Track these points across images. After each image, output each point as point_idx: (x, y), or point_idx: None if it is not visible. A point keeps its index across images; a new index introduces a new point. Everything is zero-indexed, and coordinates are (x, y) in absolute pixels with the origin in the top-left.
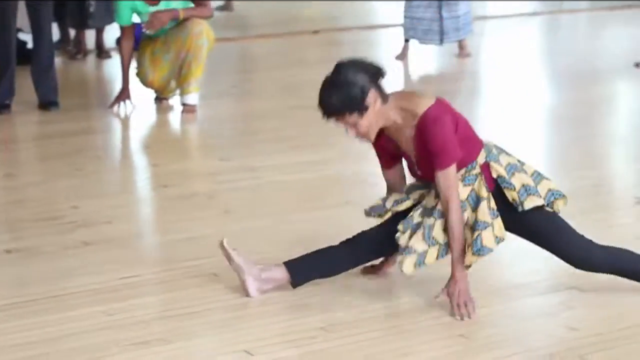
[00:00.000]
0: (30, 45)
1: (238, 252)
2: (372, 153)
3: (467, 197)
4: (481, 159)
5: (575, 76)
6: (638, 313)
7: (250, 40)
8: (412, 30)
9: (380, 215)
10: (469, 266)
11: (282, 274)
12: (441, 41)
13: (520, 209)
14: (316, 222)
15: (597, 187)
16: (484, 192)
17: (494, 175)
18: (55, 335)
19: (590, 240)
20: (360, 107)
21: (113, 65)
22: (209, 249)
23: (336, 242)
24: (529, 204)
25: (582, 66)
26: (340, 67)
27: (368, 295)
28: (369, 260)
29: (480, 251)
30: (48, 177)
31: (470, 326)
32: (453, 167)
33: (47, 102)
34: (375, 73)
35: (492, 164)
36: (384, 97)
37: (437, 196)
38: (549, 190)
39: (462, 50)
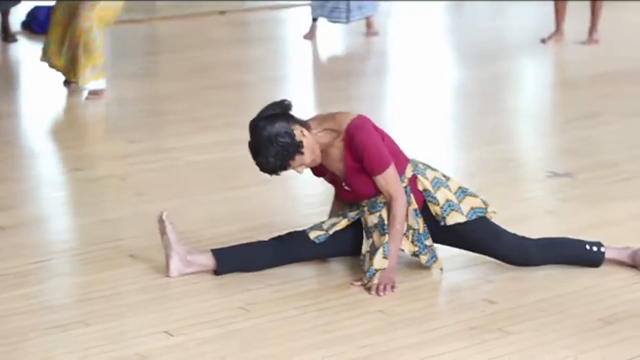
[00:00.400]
0: None
1: (173, 227)
2: None
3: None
4: (409, 172)
5: (482, 53)
6: (551, 285)
7: (157, 22)
8: (320, 8)
9: (314, 231)
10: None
11: (207, 260)
12: (347, 19)
13: (442, 223)
14: (231, 202)
15: (508, 162)
16: (414, 205)
17: (420, 188)
18: None
19: (525, 238)
20: (297, 149)
21: (19, 49)
22: (124, 231)
23: (254, 222)
24: (451, 220)
25: (488, 44)
26: (255, 128)
27: (285, 274)
28: (295, 261)
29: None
30: None
31: (389, 302)
32: (391, 169)
33: None
34: (284, 111)
35: (420, 177)
36: (306, 125)
37: (372, 212)
38: (472, 208)
39: (370, 29)
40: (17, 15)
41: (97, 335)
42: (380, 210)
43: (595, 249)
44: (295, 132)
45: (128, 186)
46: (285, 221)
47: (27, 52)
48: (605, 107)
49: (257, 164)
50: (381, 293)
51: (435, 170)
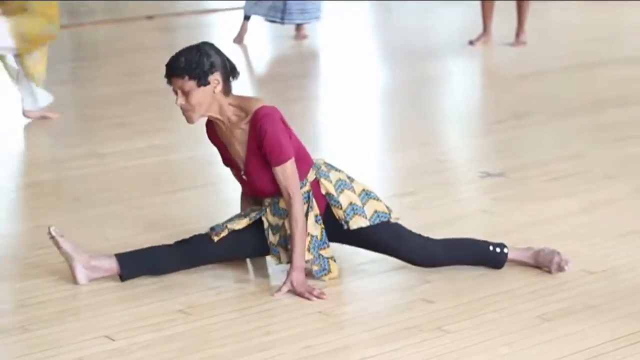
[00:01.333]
0: None
1: (66, 238)
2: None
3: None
4: (311, 176)
5: (410, 55)
6: (486, 284)
7: (85, 27)
8: (255, 6)
9: (217, 235)
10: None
11: (111, 264)
12: (283, 20)
13: (345, 227)
14: (167, 206)
15: (441, 163)
16: (316, 210)
17: (323, 192)
18: None
19: (429, 239)
20: (200, 77)
21: None
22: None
23: (189, 226)
24: (354, 224)
25: (416, 45)
26: (203, 42)
27: (223, 278)
28: (200, 264)
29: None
30: None
31: (327, 303)
32: (290, 163)
33: None
34: (231, 67)
35: (322, 180)
36: (227, 90)
37: (274, 215)
38: (375, 211)
39: (299, 32)
40: None
41: (38, 340)
42: (283, 218)
43: (498, 250)
44: (215, 73)
45: (65, 191)
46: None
47: None
48: (533, 107)
49: (170, 57)
50: (310, 296)
51: (339, 171)
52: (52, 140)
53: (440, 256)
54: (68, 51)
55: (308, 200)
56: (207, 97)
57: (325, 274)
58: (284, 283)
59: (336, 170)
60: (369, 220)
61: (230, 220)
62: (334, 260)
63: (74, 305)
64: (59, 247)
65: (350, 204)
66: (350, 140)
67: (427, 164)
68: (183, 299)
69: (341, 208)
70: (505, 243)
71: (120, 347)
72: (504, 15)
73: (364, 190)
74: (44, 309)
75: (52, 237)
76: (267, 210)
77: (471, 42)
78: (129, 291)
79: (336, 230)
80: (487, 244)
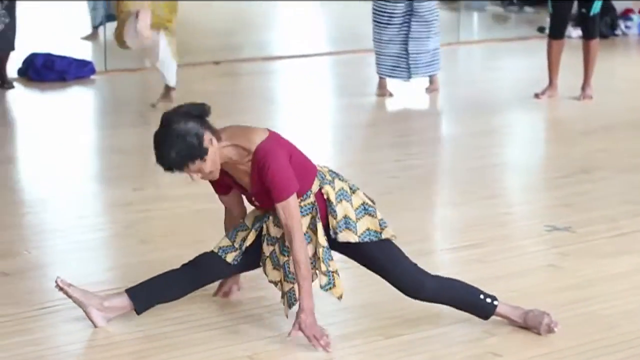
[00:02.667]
0: None
1: (74, 287)
2: None
3: (309, 227)
4: (315, 187)
5: (475, 107)
6: (553, 335)
7: (153, 71)
8: (379, 66)
9: (230, 254)
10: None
11: (123, 302)
12: (409, 77)
13: (333, 237)
14: None
15: (507, 216)
16: (322, 221)
17: (325, 197)
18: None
19: (423, 271)
20: (200, 153)
21: (16, 96)
22: (130, 279)
23: (258, 270)
24: (343, 237)
25: (481, 97)
26: (168, 120)
27: (289, 323)
28: (210, 283)
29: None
30: None
31: (396, 352)
32: (293, 198)
33: None
34: (201, 114)
35: (326, 187)
36: (217, 135)
37: (276, 225)
38: (367, 229)
39: (432, 85)
40: (14, 63)
41: None
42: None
43: (488, 300)
44: (204, 137)
45: (132, 234)
46: None
47: (23, 99)
48: (600, 162)
49: (157, 155)
50: (318, 343)
51: (343, 181)
52: (120, 182)
53: (428, 290)
54: (136, 94)
55: (312, 210)
56: (214, 157)
57: (330, 288)
58: (293, 325)
59: (340, 179)
60: (359, 236)
61: (234, 237)
62: (338, 275)
63: (144, 347)
64: (69, 297)
65: (345, 216)
66: (416, 191)
67: (492, 217)
68: (249, 344)
69: (335, 218)
70: (497, 297)
71: None
72: (570, 69)
73: (363, 203)
74: (104, 353)
75: (61, 289)
76: (271, 218)
77: (537, 95)
78: (196, 335)
79: (329, 239)
80: (479, 291)
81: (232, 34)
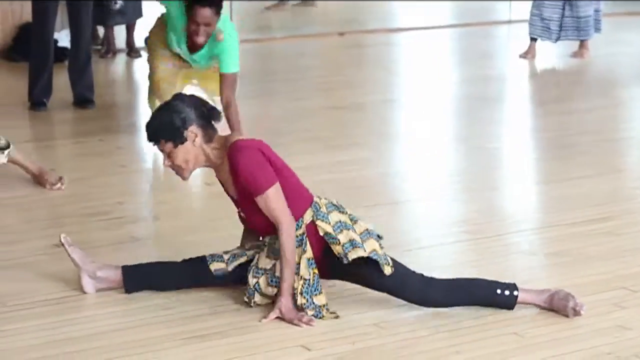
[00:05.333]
0: (60, 43)
1: (74, 247)
2: (409, 154)
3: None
4: (307, 217)
5: (602, 81)
6: None
7: (276, 42)
8: (531, 26)
9: (215, 266)
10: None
11: (117, 276)
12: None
13: (345, 261)
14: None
15: (636, 190)
16: (309, 253)
17: (321, 233)
18: (108, 329)
19: (431, 280)
20: (175, 137)
21: (143, 64)
22: None
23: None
24: (353, 255)
25: (610, 70)
26: (174, 97)
27: None
28: (197, 286)
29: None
30: (91, 173)
31: (524, 324)
32: (273, 190)
33: (83, 100)
34: (206, 113)
35: (319, 222)
36: (209, 137)
37: (269, 256)
38: (374, 249)
39: (579, 50)
40: (143, 31)
41: (234, 346)
42: (277, 258)
43: (507, 292)
44: (190, 128)
45: None
46: (417, 239)
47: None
48: None
49: (146, 121)
50: (301, 323)
51: (343, 213)
52: None
53: (435, 297)
54: (259, 65)
55: (301, 244)
56: (190, 152)
57: (319, 318)
58: (273, 310)
59: (340, 211)
60: (368, 253)
61: (231, 255)
62: (327, 309)
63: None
64: (68, 256)
65: (350, 240)
66: (552, 165)
67: (621, 190)
68: (378, 313)
69: (339, 244)
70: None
71: (315, 357)
72: None
73: (366, 230)
74: (242, 316)
75: (62, 245)
76: (265, 249)
77: None
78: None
79: (336, 266)
80: (496, 286)
81: (356, 5)
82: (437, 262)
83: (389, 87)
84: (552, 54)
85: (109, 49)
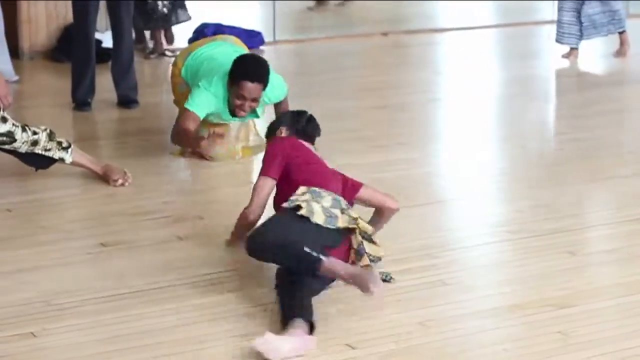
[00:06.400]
0: (104, 44)
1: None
2: (452, 153)
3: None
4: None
5: None
6: None
7: (320, 42)
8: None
9: None
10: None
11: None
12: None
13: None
14: (404, 220)
15: None
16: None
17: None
18: (155, 327)
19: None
20: (271, 129)
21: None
22: None
23: (429, 240)
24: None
25: None
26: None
27: (464, 291)
28: None
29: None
30: (136, 173)
31: (569, 323)
32: (262, 179)
33: (127, 100)
34: (310, 131)
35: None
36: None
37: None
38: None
39: (621, 48)
40: (186, 31)
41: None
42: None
43: (314, 254)
44: (282, 128)
45: None
46: (461, 239)
47: None
48: None
49: None
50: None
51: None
52: None
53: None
54: (302, 65)
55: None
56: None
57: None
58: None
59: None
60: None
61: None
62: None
63: (320, 312)
64: None
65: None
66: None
67: None
68: (422, 311)
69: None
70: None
71: (359, 356)
72: None
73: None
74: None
75: None
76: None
77: None
78: (369, 302)
79: None
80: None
81: (400, 5)
82: (480, 261)
83: (432, 86)
84: (595, 53)
85: (155, 50)
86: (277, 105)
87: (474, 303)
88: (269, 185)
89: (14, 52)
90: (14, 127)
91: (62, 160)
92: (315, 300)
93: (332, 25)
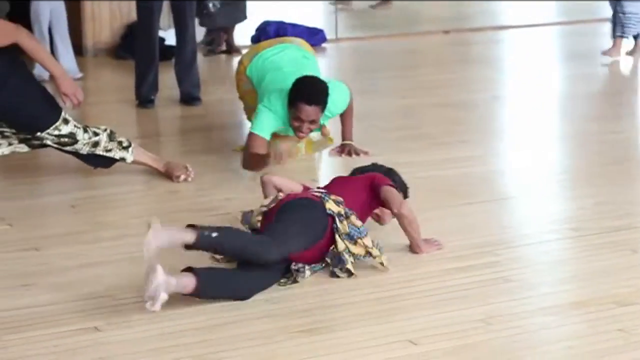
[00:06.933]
0: (167, 41)
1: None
2: (515, 151)
3: None
4: None
5: None
6: None
7: (381, 40)
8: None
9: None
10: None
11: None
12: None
13: None
14: (463, 218)
15: None
16: None
17: None
18: (220, 322)
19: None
20: None
21: None
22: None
23: (489, 237)
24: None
25: None
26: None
27: (528, 288)
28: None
29: None
30: (198, 169)
31: (630, 321)
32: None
33: (190, 98)
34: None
35: None
36: None
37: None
38: None
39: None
40: (248, 29)
41: (341, 341)
42: None
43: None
44: None
45: None
46: (523, 236)
47: None
48: None
49: None
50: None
51: None
52: None
53: None
54: (365, 63)
55: None
56: None
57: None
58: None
59: None
60: None
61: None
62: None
63: (377, 309)
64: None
65: None
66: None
67: None
68: (485, 308)
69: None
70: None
71: (423, 352)
72: None
73: None
74: (348, 310)
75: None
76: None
77: None
78: (431, 298)
79: None
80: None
81: (461, 3)
82: (542, 258)
83: (494, 84)
84: None
85: (213, 48)
86: (342, 115)
87: (536, 300)
88: None
89: (78, 49)
90: (75, 129)
91: (123, 159)
92: (374, 298)
93: (394, 23)
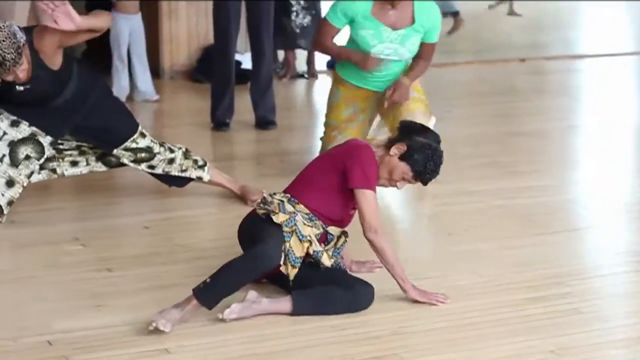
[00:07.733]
0: (244, 65)
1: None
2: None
3: None
4: None
5: None
6: None
7: (458, 67)
8: None
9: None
10: None
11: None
12: None
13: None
14: (538, 247)
15: None
16: None
17: None
18: (289, 347)
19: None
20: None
21: (321, 87)
22: (432, 269)
23: (561, 268)
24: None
25: None
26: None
27: (601, 320)
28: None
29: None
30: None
31: None
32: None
33: (265, 122)
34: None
35: None
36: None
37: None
38: None
39: None
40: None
41: None
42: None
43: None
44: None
45: (439, 226)
46: (596, 267)
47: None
48: None
49: None
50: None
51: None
52: None
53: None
54: (440, 89)
55: None
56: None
57: None
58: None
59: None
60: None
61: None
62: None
63: (447, 337)
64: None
65: None
66: None
67: None
68: (556, 339)
69: None
70: None
71: None
72: None
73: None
74: (418, 338)
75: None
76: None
77: None
78: (502, 328)
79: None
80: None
81: (538, 31)
82: (614, 290)
83: (571, 113)
84: None
85: (287, 72)
86: (416, 59)
87: (607, 332)
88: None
89: (155, 71)
90: (152, 143)
91: (199, 179)
92: (445, 326)
93: (471, 50)
